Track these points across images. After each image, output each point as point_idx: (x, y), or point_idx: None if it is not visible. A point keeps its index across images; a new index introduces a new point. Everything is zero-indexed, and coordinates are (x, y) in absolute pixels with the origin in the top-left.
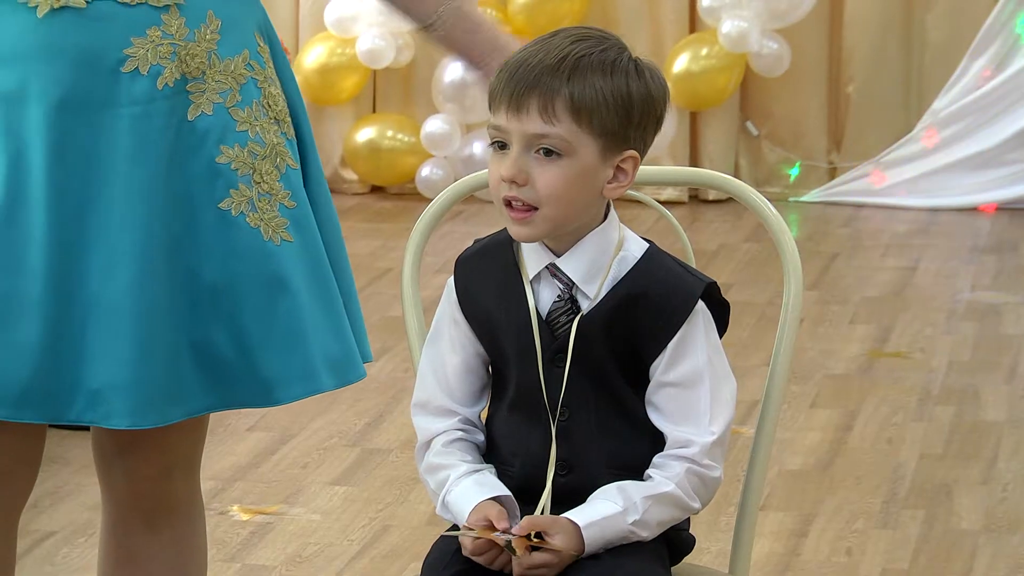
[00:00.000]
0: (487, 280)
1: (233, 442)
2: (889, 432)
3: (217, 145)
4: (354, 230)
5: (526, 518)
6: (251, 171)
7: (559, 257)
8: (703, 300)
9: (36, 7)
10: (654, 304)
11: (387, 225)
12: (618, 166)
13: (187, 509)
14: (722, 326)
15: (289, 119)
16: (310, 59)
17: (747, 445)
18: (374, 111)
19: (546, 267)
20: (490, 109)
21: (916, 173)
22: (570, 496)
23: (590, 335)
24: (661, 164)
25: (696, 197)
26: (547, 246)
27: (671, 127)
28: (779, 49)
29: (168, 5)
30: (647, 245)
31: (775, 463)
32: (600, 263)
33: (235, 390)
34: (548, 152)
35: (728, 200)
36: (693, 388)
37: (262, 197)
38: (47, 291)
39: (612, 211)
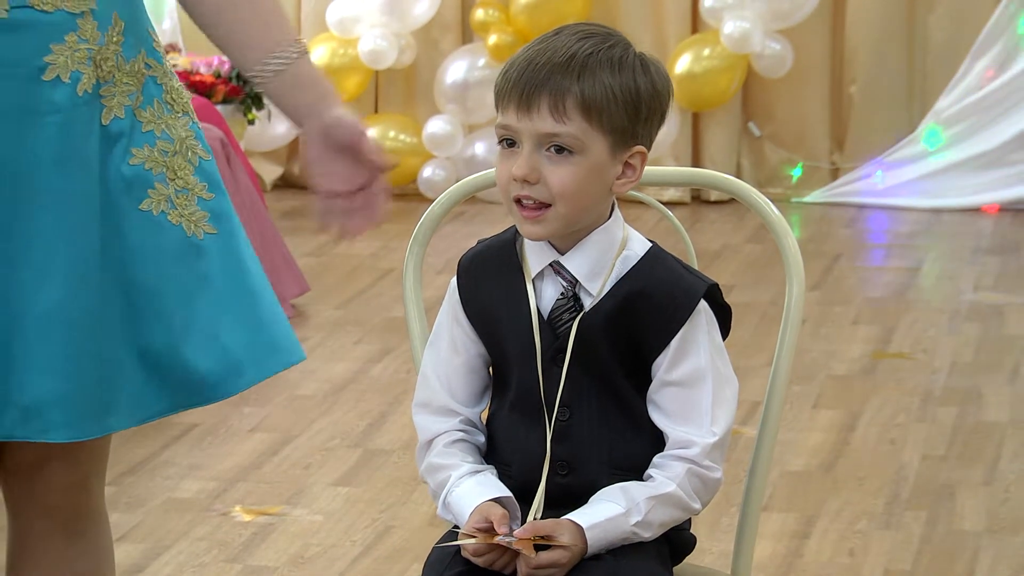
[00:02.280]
0: (490, 280)
1: (235, 443)
2: (892, 433)
3: (129, 148)
4: None
5: (529, 523)
6: (164, 169)
7: (563, 255)
8: (705, 301)
9: None
10: (656, 302)
11: (389, 226)
12: (626, 162)
13: (99, 514)
14: (724, 330)
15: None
16: (312, 59)
17: (749, 446)
18: (376, 112)
19: (549, 264)
20: (497, 108)
21: (919, 173)
22: (570, 497)
23: (592, 333)
24: (663, 164)
25: (698, 198)
26: (551, 244)
27: (673, 127)
28: (781, 50)
29: (83, 11)
30: (650, 244)
31: (777, 464)
32: (604, 261)
33: (178, 392)
34: (559, 150)
35: (730, 201)
36: (695, 387)
37: (179, 193)
38: None
39: (616, 209)
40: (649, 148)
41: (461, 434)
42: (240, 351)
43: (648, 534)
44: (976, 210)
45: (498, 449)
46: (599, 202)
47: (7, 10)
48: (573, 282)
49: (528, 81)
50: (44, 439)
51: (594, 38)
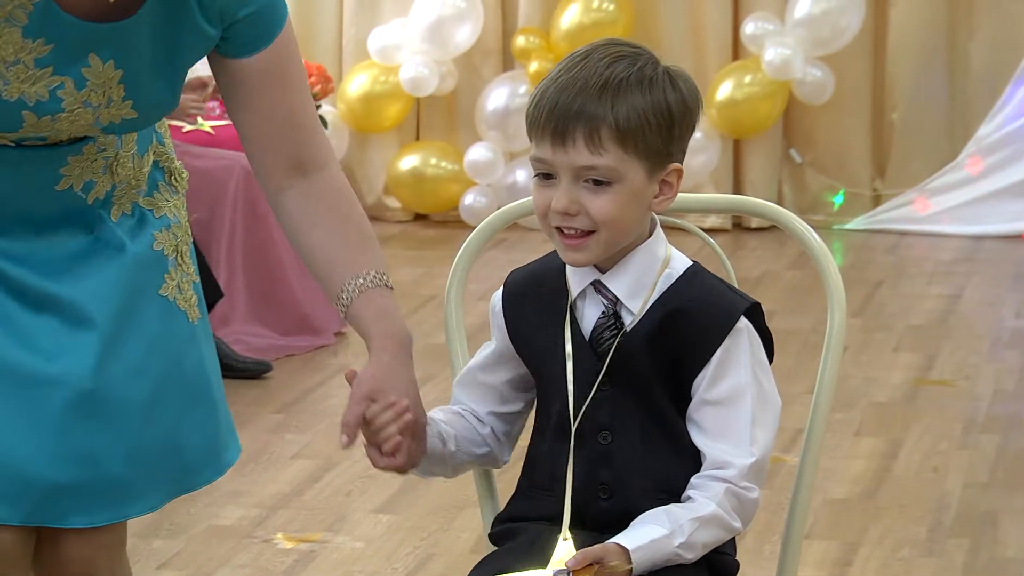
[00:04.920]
0: (534, 304)
1: (277, 470)
2: (934, 460)
3: (151, 233)
4: (397, 258)
5: (580, 552)
6: (176, 253)
7: (604, 273)
8: (748, 319)
9: None
10: (696, 319)
11: (430, 253)
12: (663, 180)
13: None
14: (767, 355)
15: None
16: (354, 87)
17: (791, 473)
18: (417, 139)
19: (591, 284)
20: (530, 137)
21: (960, 200)
22: (612, 520)
23: (633, 352)
24: (704, 192)
25: (739, 225)
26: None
27: (714, 154)
28: (823, 76)
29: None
30: (691, 263)
31: (819, 491)
32: (646, 280)
33: (177, 478)
34: (597, 181)
35: (771, 228)
36: (734, 406)
37: (184, 278)
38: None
39: (658, 227)
40: (682, 161)
41: (459, 408)
42: (221, 436)
43: (691, 555)
44: (1017, 237)
45: (538, 474)
46: (639, 223)
47: (14, 143)
48: (614, 301)
49: (561, 114)
50: (61, 525)
51: (623, 60)
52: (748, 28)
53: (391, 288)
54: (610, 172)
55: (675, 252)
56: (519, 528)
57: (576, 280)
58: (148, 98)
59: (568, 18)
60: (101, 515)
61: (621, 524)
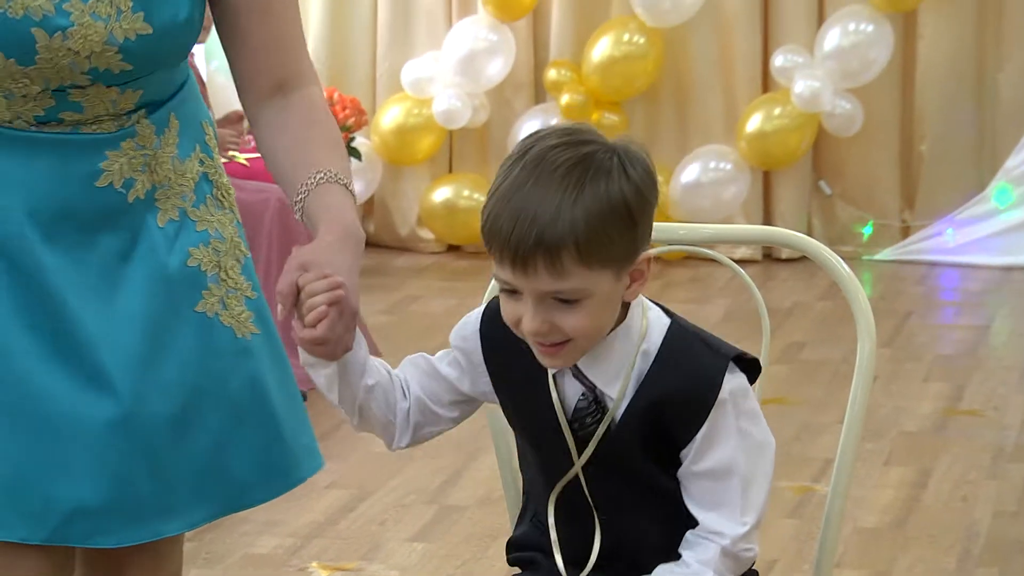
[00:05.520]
0: (513, 355)
1: (311, 499)
2: (963, 490)
3: (186, 248)
4: (431, 288)
5: None
6: (217, 269)
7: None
8: (734, 365)
9: (11, 128)
10: (680, 400)
11: (463, 284)
12: (635, 270)
13: None
14: (751, 377)
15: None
16: (387, 119)
17: (821, 502)
18: (450, 171)
19: (568, 368)
20: (490, 251)
21: (989, 231)
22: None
23: (619, 443)
24: (735, 223)
25: (770, 255)
26: None
27: (744, 186)
28: (851, 109)
29: (141, 119)
30: (667, 325)
31: (849, 520)
32: (623, 364)
33: (222, 496)
34: (565, 300)
35: (801, 258)
36: (723, 479)
37: (230, 294)
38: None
39: (632, 303)
40: (649, 242)
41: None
42: (284, 454)
43: None
44: None
45: (539, 511)
46: (614, 318)
47: (68, 132)
48: (592, 387)
49: (519, 242)
50: (86, 544)
51: (578, 165)
52: (778, 61)
53: (351, 192)
54: (577, 292)
55: (652, 316)
56: (538, 561)
57: None
58: (160, 9)
59: (599, 51)
60: (130, 534)
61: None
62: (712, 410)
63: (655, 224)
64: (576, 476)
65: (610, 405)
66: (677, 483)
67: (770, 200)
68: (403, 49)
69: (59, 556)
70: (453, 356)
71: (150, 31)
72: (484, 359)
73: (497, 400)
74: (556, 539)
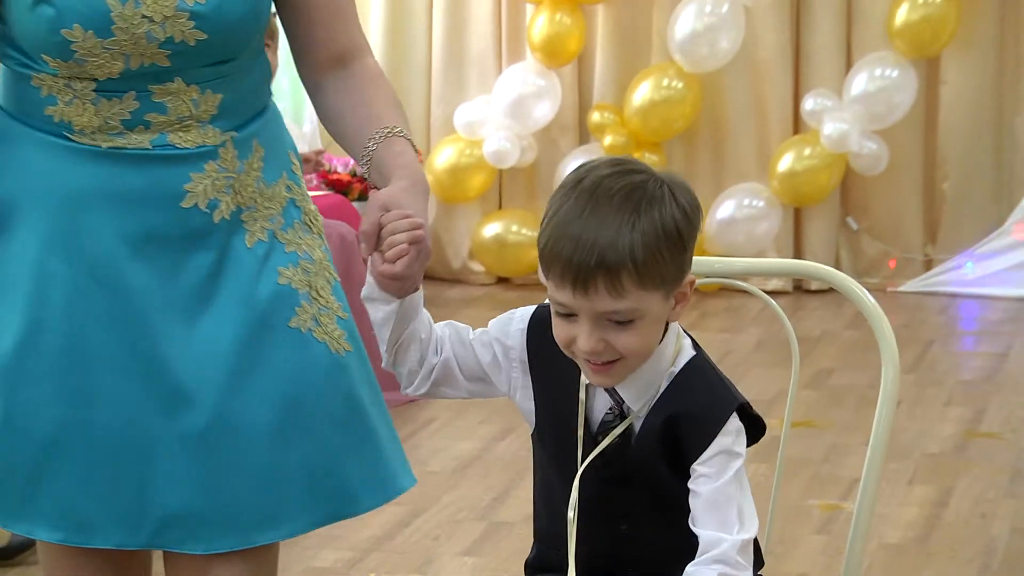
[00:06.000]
0: (553, 356)
1: (370, 515)
2: (982, 508)
3: (276, 268)
4: (482, 318)
5: None
6: (308, 288)
7: None
8: (738, 415)
9: (98, 145)
10: (693, 416)
11: None
12: (679, 293)
13: None
14: (752, 439)
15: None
16: (440, 160)
17: (848, 520)
18: (500, 207)
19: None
20: (546, 277)
21: (1007, 264)
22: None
23: (636, 456)
24: (767, 256)
25: (800, 287)
26: None
27: (776, 222)
28: (878, 149)
29: (224, 140)
30: (693, 354)
31: (875, 536)
32: (652, 383)
33: (327, 504)
34: (620, 321)
35: (830, 290)
36: (722, 495)
37: (322, 312)
38: (121, 421)
39: (670, 327)
40: (691, 267)
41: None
42: (383, 465)
43: None
44: None
45: (554, 528)
46: (660, 337)
47: (150, 147)
48: (620, 402)
49: (581, 264)
50: (181, 550)
51: (632, 194)
52: (808, 104)
53: (415, 148)
54: (632, 312)
55: (684, 344)
56: None
57: None
58: None
59: (640, 95)
60: (221, 541)
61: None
62: (719, 434)
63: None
64: (593, 491)
65: (635, 418)
66: (687, 495)
67: (800, 235)
68: (456, 93)
69: (132, 563)
70: (490, 342)
71: None
72: (528, 359)
73: (516, 397)
74: (573, 551)
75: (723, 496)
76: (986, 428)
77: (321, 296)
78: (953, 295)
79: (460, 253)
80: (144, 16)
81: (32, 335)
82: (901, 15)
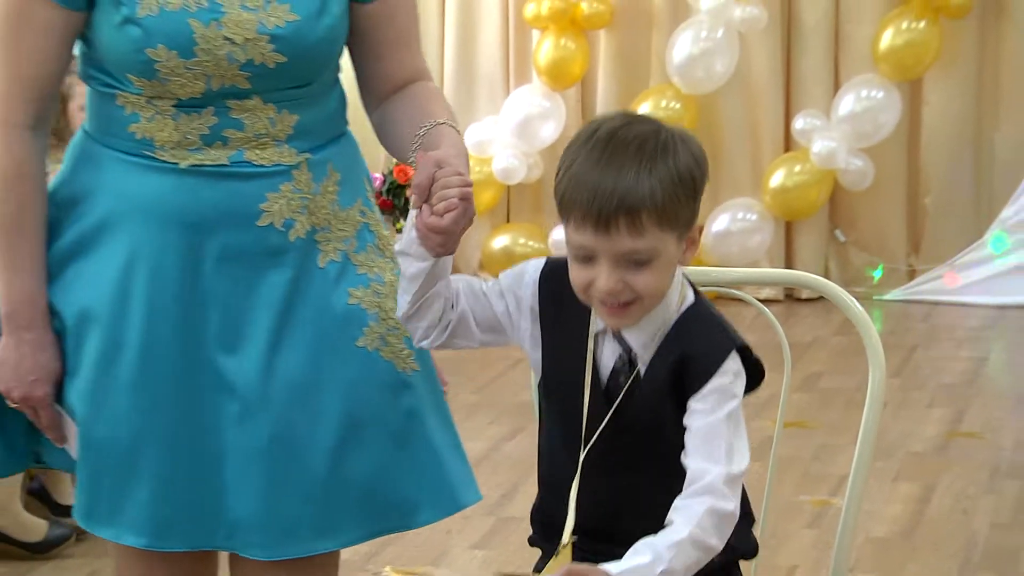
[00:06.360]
0: (563, 308)
1: None
2: (964, 504)
3: (346, 289)
4: None
5: (567, 566)
6: (378, 309)
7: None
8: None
9: (178, 163)
10: (695, 359)
11: None
12: (689, 239)
13: None
14: (753, 384)
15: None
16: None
17: (837, 515)
18: (508, 221)
19: (611, 331)
20: (564, 220)
21: (986, 275)
22: (621, 543)
23: (643, 401)
24: (760, 267)
25: (791, 296)
26: None
27: (768, 235)
28: (864, 166)
29: (299, 162)
30: (693, 300)
31: (862, 531)
32: (658, 329)
33: (383, 517)
34: (638, 261)
35: (819, 298)
36: (714, 430)
37: (390, 332)
38: (192, 430)
39: (678, 272)
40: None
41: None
42: (444, 481)
43: None
44: None
45: (553, 479)
46: (672, 280)
47: (228, 163)
48: (629, 350)
49: (603, 204)
50: (245, 554)
51: (646, 142)
52: (798, 124)
53: (463, 142)
54: (650, 252)
55: (687, 293)
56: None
57: (599, 319)
58: (304, 0)
59: None
60: (283, 550)
61: (627, 547)
62: (717, 374)
63: (689, 268)
64: (599, 441)
65: (642, 365)
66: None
67: (791, 247)
68: (466, 114)
69: (202, 566)
70: (503, 292)
71: (298, 18)
72: (539, 308)
73: (526, 346)
74: (575, 502)
75: (714, 431)
76: (966, 428)
77: (390, 317)
78: (935, 303)
79: (471, 264)
80: (226, 38)
81: (113, 350)
82: (886, 40)
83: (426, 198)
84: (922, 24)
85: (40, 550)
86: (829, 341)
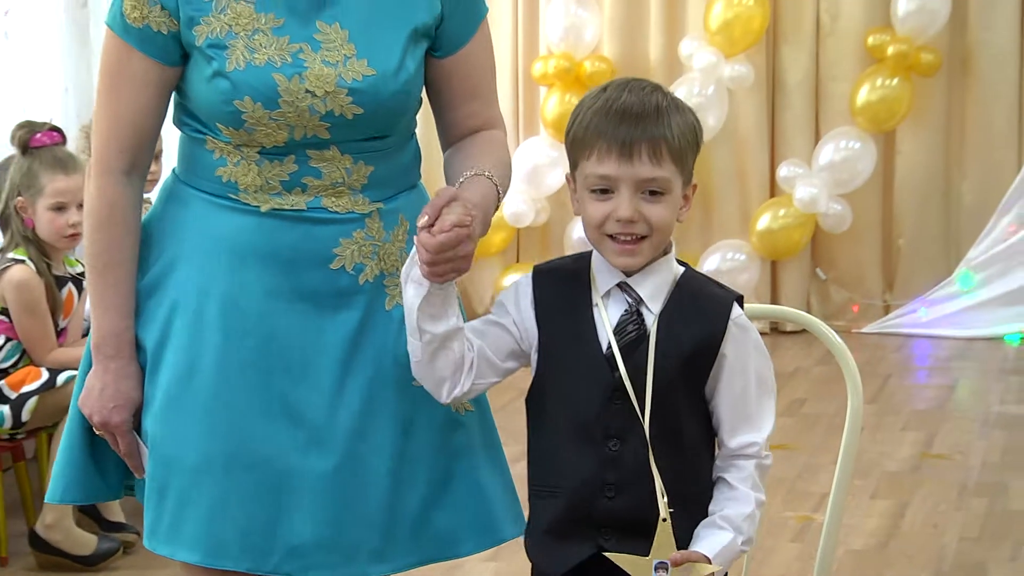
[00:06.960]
0: (560, 292)
1: None
2: (935, 519)
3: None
4: None
5: (681, 552)
6: None
7: (629, 277)
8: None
9: (259, 206)
10: (699, 309)
11: None
12: (685, 195)
13: None
14: None
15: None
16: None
17: (819, 529)
18: (518, 261)
19: (617, 284)
20: (585, 159)
21: (955, 309)
22: (617, 518)
23: (658, 353)
24: (748, 303)
25: (776, 329)
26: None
27: (755, 273)
28: (843, 210)
29: (371, 211)
30: (684, 268)
31: (842, 544)
32: (663, 285)
33: (427, 546)
34: (653, 192)
35: (802, 331)
36: (744, 397)
37: None
38: (254, 457)
39: (672, 246)
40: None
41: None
42: (488, 514)
43: (749, 547)
44: (1000, 339)
45: (549, 472)
46: (673, 231)
47: (305, 208)
48: (638, 299)
49: (627, 132)
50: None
51: (656, 90)
52: (782, 171)
53: (499, 193)
54: (666, 183)
55: (679, 265)
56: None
57: (604, 280)
58: (380, 56)
59: None
60: (340, 571)
61: (623, 523)
62: (727, 332)
63: None
64: (593, 408)
65: (648, 317)
66: (693, 429)
67: (776, 284)
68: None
69: None
70: (501, 310)
71: (375, 73)
72: (533, 291)
73: (533, 345)
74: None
75: (746, 397)
76: (937, 450)
77: None
78: (908, 336)
79: (484, 301)
80: (307, 91)
81: (187, 375)
82: (862, 96)
83: (431, 224)
84: (895, 81)
85: (90, 563)
86: (811, 370)
